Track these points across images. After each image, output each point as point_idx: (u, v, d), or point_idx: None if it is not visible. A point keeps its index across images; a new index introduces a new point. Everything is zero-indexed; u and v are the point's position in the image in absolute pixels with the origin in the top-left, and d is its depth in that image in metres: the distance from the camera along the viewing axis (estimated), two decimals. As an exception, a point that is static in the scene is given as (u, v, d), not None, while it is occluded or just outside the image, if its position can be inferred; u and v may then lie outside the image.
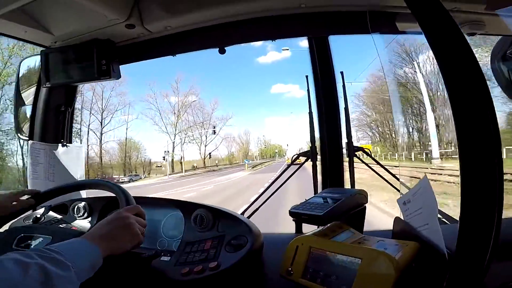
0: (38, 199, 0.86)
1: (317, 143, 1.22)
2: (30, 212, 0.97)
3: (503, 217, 0.44)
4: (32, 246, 0.66)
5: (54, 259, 0.47)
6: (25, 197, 0.85)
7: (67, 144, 1.41)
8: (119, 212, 0.66)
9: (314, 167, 1.23)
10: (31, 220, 0.98)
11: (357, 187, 1.17)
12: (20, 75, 1.40)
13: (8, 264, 0.43)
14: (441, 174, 9.46)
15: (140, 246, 0.87)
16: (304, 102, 1.24)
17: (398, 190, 1.22)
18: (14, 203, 0.82)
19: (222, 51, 1.21)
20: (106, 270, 0.57)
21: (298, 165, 1.25)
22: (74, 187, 0.93)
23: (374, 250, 0.54)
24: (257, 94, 63.74)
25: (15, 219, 0.85)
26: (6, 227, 0.80)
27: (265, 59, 57.91)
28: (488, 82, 0.46)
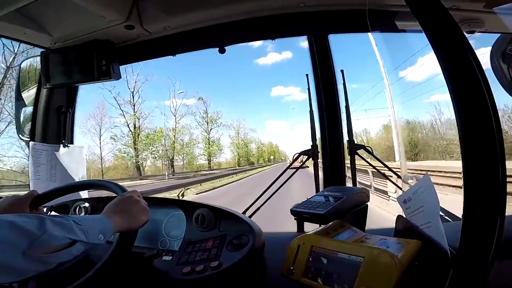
0: (36, 202, 0.80)
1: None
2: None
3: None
4: None
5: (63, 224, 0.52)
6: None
7: (69, 145, 1.41)
8: (122, 195, 0.69)
9: (316, 165, 1.23)
10: None
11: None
12: (20, 76, 1.40)
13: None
14: None
15: (141, 246, 0.88)
16: (304, 105, 1.24)
17: (400, 188, 1.23)
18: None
19: (222, 51, 1.21)
20: (109, 269, 0.57)
21: (296, 168, 1.25)
22: (71, 189, 0.87)
23: (376, 249, 0.54)
24: (257, 96, 62.21)
25: None
26: None
27: (265, 60, 56.50)
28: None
